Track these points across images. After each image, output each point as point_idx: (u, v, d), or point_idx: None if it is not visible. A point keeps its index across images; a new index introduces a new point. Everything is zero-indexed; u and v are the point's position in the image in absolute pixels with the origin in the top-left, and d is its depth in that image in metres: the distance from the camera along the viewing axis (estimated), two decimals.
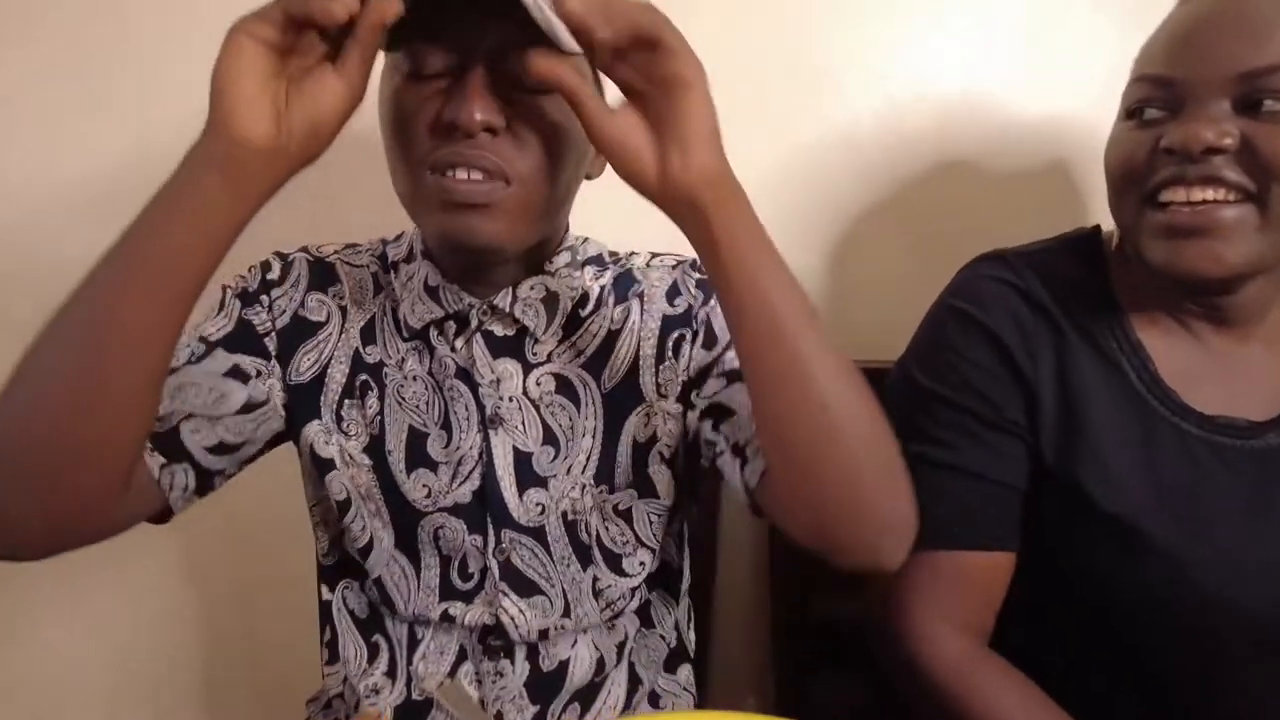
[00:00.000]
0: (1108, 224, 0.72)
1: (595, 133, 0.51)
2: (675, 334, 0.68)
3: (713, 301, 0.68)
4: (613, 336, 0.68)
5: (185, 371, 0.61)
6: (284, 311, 0.66)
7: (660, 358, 0.68)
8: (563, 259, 0.68)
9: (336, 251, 0.71)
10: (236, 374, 0.63)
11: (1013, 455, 0.69)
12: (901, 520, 0.55)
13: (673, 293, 0.69)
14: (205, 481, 0.61)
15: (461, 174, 0.55)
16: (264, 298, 0.66)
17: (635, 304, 0.69)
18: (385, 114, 0.59)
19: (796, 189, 1.00)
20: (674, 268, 0.71)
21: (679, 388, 0.67)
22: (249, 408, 0.63)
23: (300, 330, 0.66)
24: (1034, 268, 0.71)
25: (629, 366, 0.67)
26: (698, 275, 0.71)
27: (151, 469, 0.57)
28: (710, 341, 0.67)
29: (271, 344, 0.66)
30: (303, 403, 0.66)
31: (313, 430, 0.66)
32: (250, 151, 0.47)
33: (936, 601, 0.67)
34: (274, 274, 0.67)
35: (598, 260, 0.72)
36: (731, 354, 0.65)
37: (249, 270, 0.68)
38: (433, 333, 0.66)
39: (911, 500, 0.55)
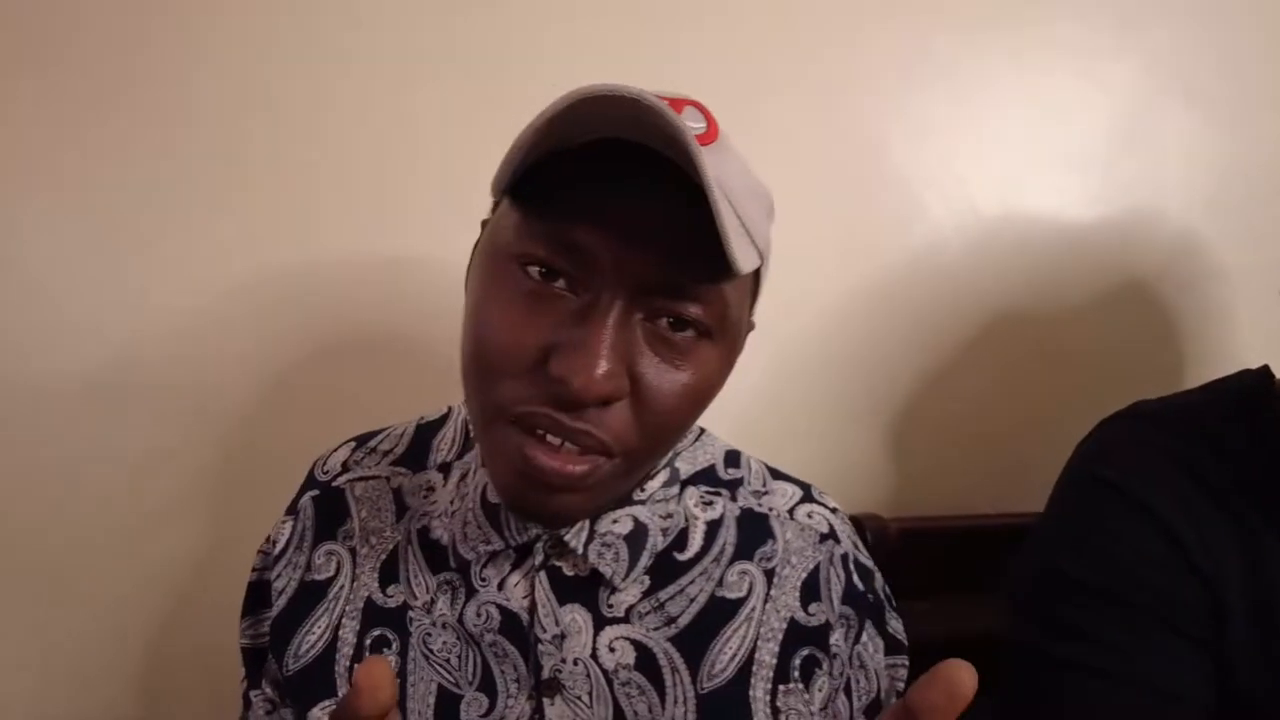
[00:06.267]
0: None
1: None
2: (804, 652, 0.51)
3: (864, 637, 0.53)
4: (720, 610, 0.51)
5: None
6: (283, 591, 0.54)
7: (783, 674, 0.50)
8: (658, 480, 0.52)
9: (346, 468, 0.57)
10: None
11: (1200, 670, 0.55)
12: None
13: (810, 589, 0.52)
14: None
15: (554, 441, 0.41)
16: (271, 582, 0.55)
17: (759, 575, 0.52)
18: (482, 295, 0.43)
19: (882, 309, 0.92)
20: (823, 539, 0.54)
21: None
22: None
23: (306, 598, 0.53)
24: (1193, 430, 0.59)
25: (739, 667, 0.50)
26: (849, 575, 0.54)
27: None
28: (857, 690, 0.52)
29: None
30: (306, 687, 0.52)
31: (320, 716, 0.51)
32: None
33: None
34: (280, 544, 0.55)
35: (708, 476, 0.55)
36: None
37: (259, 554, 0.57)
38: (475, 568, 0.51)
39: None
